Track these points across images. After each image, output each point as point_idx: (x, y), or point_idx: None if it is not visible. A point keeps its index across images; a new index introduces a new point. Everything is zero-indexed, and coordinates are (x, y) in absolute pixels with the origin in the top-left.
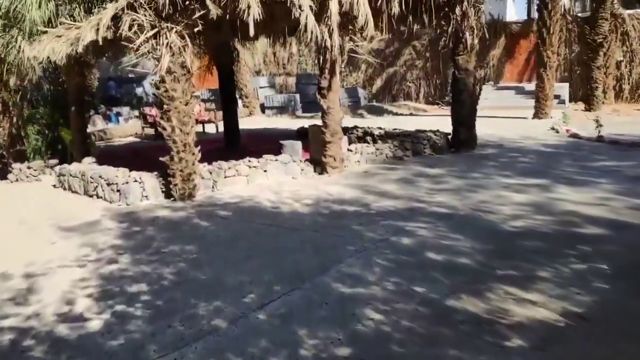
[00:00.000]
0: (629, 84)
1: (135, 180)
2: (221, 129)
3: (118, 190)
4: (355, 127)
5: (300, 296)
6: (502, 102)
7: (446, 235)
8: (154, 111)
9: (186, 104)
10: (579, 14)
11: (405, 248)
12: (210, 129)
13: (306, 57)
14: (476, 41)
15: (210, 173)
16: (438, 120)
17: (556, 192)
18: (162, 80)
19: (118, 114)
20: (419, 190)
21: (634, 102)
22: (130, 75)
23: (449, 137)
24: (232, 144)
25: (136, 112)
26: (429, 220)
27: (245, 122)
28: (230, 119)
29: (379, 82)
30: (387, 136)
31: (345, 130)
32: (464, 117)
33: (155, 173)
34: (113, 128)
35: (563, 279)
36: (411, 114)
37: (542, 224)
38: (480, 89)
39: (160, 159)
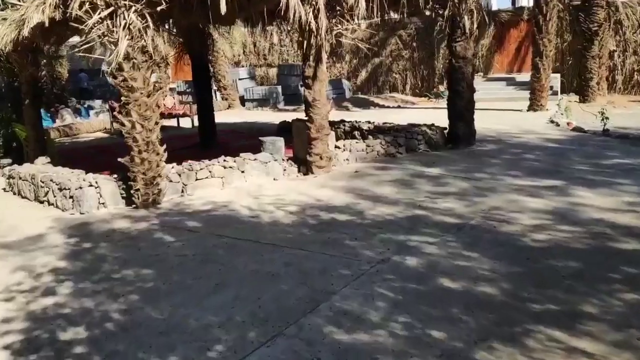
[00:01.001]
0: (622, 74)
1: (91, 185)
2: (197, 123)
3: (71, 197)
4: (342, 122)
5: (284, 348)
6: (493, 94)
7: (459, 252)
8: None
9: (148, 96)
10: (572, 2)
11: (412, 272)
12: (186, 123)
13: (288, 47)
14: (475, 26)
15: (179, 175)
16: (429, 113)
17: (575, 196)
18: (120, 68)
19: (89, 108)
20: (419, 194)
21: (628, 93)
22: (103, 67)
23: (445, 131)
24: (208, 141)
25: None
26: (435, 232)
27: (224, 116)
28: (206, 112)
29: (363, 74)
30: (377, 131)
31: (332, 125)
32: (462, 109)
33: (115, 176)
34: (80, 123)
35: (616, 315)
36: (399, 107)
37: (570, 238)
38: None
39: (120, 159)
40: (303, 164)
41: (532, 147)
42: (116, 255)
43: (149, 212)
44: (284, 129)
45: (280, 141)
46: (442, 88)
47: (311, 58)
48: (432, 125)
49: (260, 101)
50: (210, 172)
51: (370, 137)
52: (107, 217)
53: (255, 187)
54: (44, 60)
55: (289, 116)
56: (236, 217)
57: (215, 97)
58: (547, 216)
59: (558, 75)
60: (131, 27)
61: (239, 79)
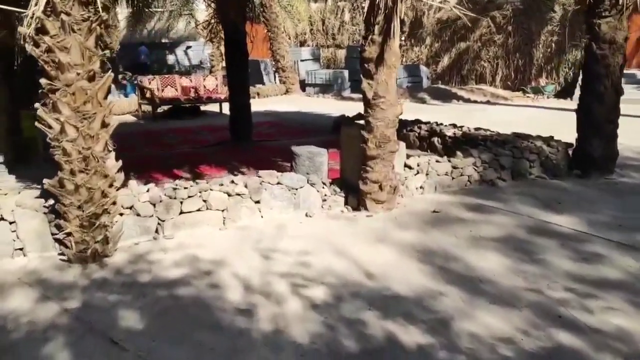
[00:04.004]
0: None
1: (3, 219)
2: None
3: None
4: (417, 123)
5: None
6: None
7: None
8: (153, 82)
9: (90, 79)
10: None
11: None
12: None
13: (361, 26)
14: None
15: (154, 206)
16: (529, 115)
17: None
18: (42, 30)
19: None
20: (552, 280)
21: None
22: (163, 41)
23: (570, 150)
24: (240, 136)
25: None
26: None
27: (277, 102)
28: (239, 99)
29: (446, 60)
30: (466, 140)
31: (402, 126)
32: (601, 120)
33: (45, 205)
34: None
35: None
36: (488, 102)
37: None
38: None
39: (45, 183)
40: (353, 192)
41: None
42: None
43: (85, 272)
44: (341, 126)
45: (321, 155)
46: (543, 82)
47: (376, 28)
48: (551, 139)
49: (323, 87)
50: (204, 201)
51: (458, 152)
52: (14, 279)
53: (272, 229)
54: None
55: (354, 107)
56: (215, 308)
57: (275, 80)
58: None
59: None
60: None
61: (301, 60)
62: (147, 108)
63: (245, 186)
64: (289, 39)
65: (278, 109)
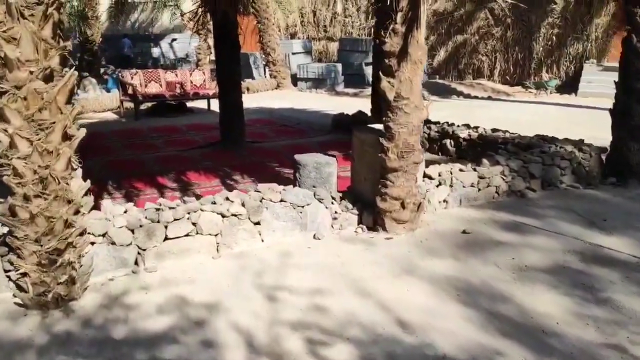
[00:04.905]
0: None
1: None
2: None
3: None
4: (426, 122)
5: None
6: (613, 88)
7: None
8: (136, 77)
9: (46, 79)
10: None
11: None
12: (217, 105)
13: (353, 18)
14: None
15: (132, 232)
16: (536, 112)
17: None
18: None
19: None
20: (634, 330)
21: None
22: (147, 33)
23: (604, 155)
24: (231, 138)
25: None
26: None
27: (268, 98)
28: (229, 95)
29: (442, 54)
30: (482, 144)
31: None
32: None
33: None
34: (87, 99)
35: None
36: (489, 98)
37: None
38: (580, 68)
39: None
40: (368, 207)
41: None
42: None
43: (45, 322)
44: (341, 125)
45: (329, 165)
46: (546, 77)
47: (399, 16)
48: (582, 142)
49: (316, 81)
50: (194, 224)
51: (484, 159)
52: None
53: (275, 258)
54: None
55: (349, 103)
56: None
57: (265, 74)
58: None
59: None
60: None
61: (292, 54)
62: (129, 105)
63: (243, 204)
64: (279, 31)
65: (270, 105)
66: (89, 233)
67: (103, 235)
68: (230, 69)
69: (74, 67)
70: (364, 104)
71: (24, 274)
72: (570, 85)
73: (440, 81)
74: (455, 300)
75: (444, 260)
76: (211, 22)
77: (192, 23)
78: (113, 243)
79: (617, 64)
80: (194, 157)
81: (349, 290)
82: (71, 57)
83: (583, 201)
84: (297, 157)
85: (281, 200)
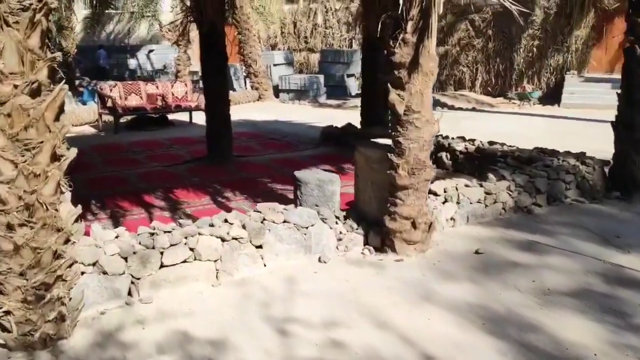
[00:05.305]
0: None
1: None
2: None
3: None
4: None
5: None
6: (595, 99)
7: None
8: (115, 90)
9: (33, 93)
10: None
11: None
12: (200, 118)
13: (334, 30)
14: None
15: (125, 260)
16: (523, 123)
17: None
18: None
19: (94, 91)
20: None
21: None
22: (123, 44)
23: (606, 168)
24: (219, 152)
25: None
26: None
27: (251, 110)
28: (217, 107)
29: None
30: (480, 157)
31: None
32: None
33: None
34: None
35: None
36: (474, 109)
37: None
38: (563, 78)
39: None
40: (374, 227)
41: None
42: None
43: None
44: (330, 138)
45: (333, 183)
46: (530, 88)
47: (409, 25)
48: (584, 155)
49: (298, 92)
50: (192, 249)
51: (490, 174)
52: None
53: (281, 284)
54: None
55: (334, 115)
56: None
57: (245, 86)
58: None
59: None
60: None
61: (274, 65)
62: (108, 118)
63: (244, 227)
64: (260, 42)
65: (253, 117)
66: (78, 262)
67: (93, 265)
68: (217, 81)
69: (63, 81)
70: (349, 116)
71: (7, 312)
72: (551, 96)
73: None
74: (481, 330)
75: (462, 285)
76: (196, 33)
77: (171, 34)
78: (104, 272)
79: (598, 75)
80: (181, 173)
81: (366, 321)
82: None
83: (591, 217)
84: (298, 174)
85: (284, 222)
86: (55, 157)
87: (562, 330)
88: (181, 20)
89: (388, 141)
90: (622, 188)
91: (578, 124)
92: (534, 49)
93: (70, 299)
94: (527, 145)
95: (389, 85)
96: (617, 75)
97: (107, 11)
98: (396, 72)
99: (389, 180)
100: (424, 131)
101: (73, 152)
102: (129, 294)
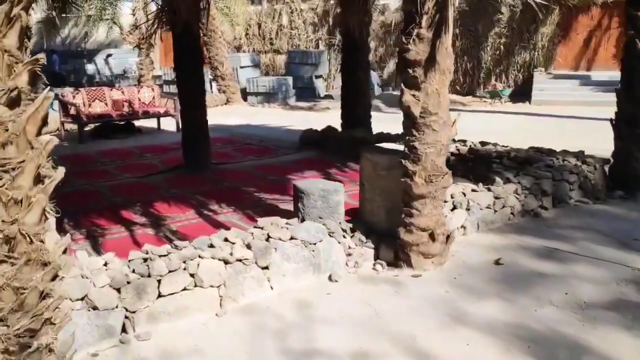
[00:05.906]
0: None
1: None
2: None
3: None
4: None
5: None
6: (564, 95)
7: None
8: (79, 96)
9: (10, 103)
10: None
11: None
12: (168, 124)
13: (300, 31)
14: None
15: (117, 291)
16: (501, 122)
17: None
18: None
19: (56, 98)
20: None
21: None
22: (79, 49)
23: (606, 167)
24: (195, 160)
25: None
26: None
27: (221, 114)
28: (193, 113)
29: (392, 65)
30: (474, 158)
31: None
32: None
33: None
34: None
35: None
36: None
37: None
38: (531, 75)
39: None
40: (385, 239)
41: None
42: None
43: None
44: (310, 141)
45: (337, 193)
46: (500, 86)
47: (424, 19)
48: (583, 154)
49: (267, 95)
50: (192, 275)
51: (497, 178)
52: None
53: (293, 310)
54: None
55: (307, 118)
56: None
57: (211, 89)
58: None
59: None
60: None
61: (240, 67)
62: (70, 127)
63: (248, 246)
64: (225, 44)
65: (223, 122)
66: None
67: (82, 299)
68: (192, 84)
69: (48, 88)
70: (323, 118)
71: None
72: (520, 93)
73: (395, 93)
74: (530, 355)
75: (491, 302)
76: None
77: (132, 37)
78: (95, 308)
79: (565, 72)
80: (158, 184)
81: (399, 351)
82: None
83: (600, 219)
84: (300, 184)
85: (292, 238)
86: (39, 179)
87: (612, 349)
88: (152, 22)
89: (394, 146)
90: (624, 187)
91: (552, 120)
92: (501, 47)
93: (58, 344)
94: (510, 143)
95: (402, 85)
96: (583, 72)
97: (62, 15)
98: (410, 71)
99: (404, 189)
100: (442, 134)
101: (60, 172)
102: (124, 330)
